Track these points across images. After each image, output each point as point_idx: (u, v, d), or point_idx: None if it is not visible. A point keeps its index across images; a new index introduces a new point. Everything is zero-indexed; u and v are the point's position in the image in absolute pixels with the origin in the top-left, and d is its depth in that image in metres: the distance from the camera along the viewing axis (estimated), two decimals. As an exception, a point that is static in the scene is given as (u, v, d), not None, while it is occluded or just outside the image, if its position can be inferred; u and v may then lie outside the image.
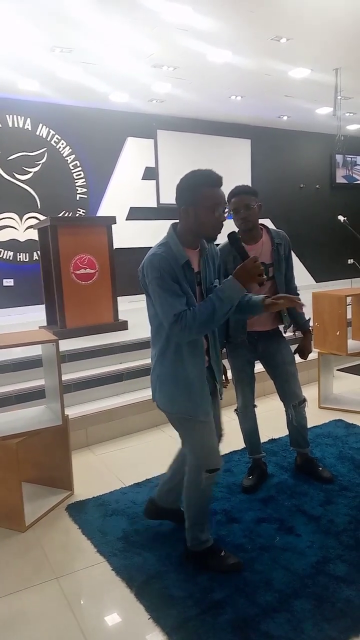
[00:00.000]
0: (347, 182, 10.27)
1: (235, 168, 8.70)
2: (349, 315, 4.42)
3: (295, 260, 9.69)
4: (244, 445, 3.32)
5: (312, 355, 4.72)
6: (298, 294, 2.88)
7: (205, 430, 2.19)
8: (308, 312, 2.99)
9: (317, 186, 9.90)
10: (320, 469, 3.12)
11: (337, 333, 4.21)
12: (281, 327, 3.02)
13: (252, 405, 3.14)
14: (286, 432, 3.30)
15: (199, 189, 2.04)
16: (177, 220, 2.15)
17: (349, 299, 4.41)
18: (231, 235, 2.24)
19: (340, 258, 9.48)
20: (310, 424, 3.95)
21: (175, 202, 2.12)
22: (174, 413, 2.21)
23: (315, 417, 4.14)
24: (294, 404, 3.07)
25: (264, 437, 3.65)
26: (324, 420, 4.04)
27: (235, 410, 3.20)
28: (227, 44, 5.16)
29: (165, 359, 2.16)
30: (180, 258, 2.04)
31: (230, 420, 2.93)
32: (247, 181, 8.86)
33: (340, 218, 7.29)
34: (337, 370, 5.41)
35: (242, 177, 8.81)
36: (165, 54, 5.36)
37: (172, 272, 2.01)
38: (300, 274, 9.61)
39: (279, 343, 2.98)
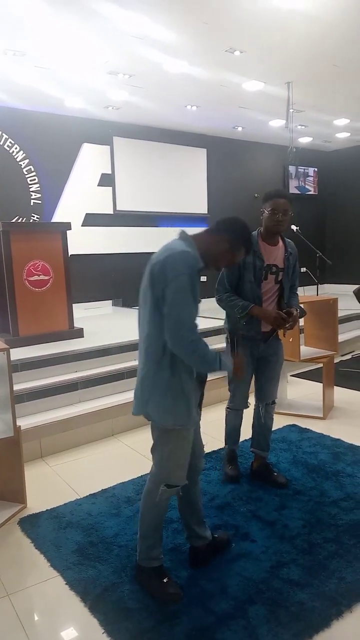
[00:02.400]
0: (299, 192, 10.53)
1: (191, 176, 8.78)
2: (301, 323, 4.53)
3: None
4: (212, 450, 3.42)
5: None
6: (297, 294, 3.16)
7: (185, 442, 2.14)
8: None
9: (271, 196, 10.12)
10: (275, 474, 3.17)
11: (290, 340, 4.30)
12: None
13: (246, 404, 3.21)
14: (240, 439, 3.34)
15: None
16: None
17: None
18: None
19: (293, 266, 9.70)
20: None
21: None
22: (168, 424, 2.08)
23: (270, 422, 4.20)
24: (267, 402, 3.19)
25: (216, 445, 3.70)
26: (279, 426, 4.10)
27: (228, 407, 3.25)
28: (183, 54, 5.20)
29: (161, 369, 2.04)
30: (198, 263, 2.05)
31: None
32: (202, 190, 8.95)
33: (293, 227, 7.47)
34: (291, 376, 5.53)
35: (198, 186, 8.89)
36: (120, 61, 5.35)
37: (195, 276, 2.00)
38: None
39: (276, 344, 3.10)
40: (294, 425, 4.11)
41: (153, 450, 2.21)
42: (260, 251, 2.91)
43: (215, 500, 2.96)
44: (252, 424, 3.27)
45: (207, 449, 3.59)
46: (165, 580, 2.19)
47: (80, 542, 2.59)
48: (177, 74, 5.71)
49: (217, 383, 4.76)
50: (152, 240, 8.16)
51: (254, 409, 3.25)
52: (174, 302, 1.94)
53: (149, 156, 8.17)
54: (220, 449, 3.66)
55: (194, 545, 2.40)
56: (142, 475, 3.29)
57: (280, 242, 3.02)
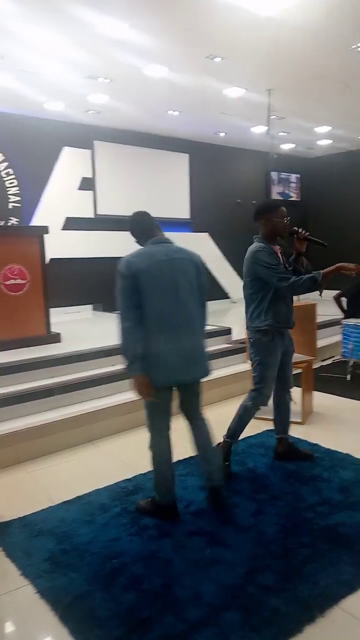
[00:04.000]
0: (282, 198, 10.62)
1: (173, 181, 8.80)
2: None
3: (233, 273, 9.85)
4: (190, 455, 3.37)
5: (244, 367, 4.83)
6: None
7: None
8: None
9: (254, 202, 10.17)
10: (301, 449, 3.53)
11: (270, 344, 4.30)
12: None
13: (266, 404, 3.39)
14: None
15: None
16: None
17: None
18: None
19: (275, 272, 9.75)
20: (244, 434, 4.02)
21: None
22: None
23: (249, 427, 4.15)
24: (290, 389, 3.47)
25: (185, 454, 3.68)
26: (258, 431, 4.09)
27: (249, 405, 3.35)
28: (163, 59, 5.22)
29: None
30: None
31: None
32: (185, 195, 8.97)
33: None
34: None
35: (181, 191, 8.91)
36: (100, 65, 5.34)
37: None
38: (237, 287, 9.82)
39: (289, 334, 3.36)
40: (272, 430, 4.09)
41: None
42: (275, 251, 3.21)
43: (190, 506, 2.93)
44: (278, 413, 3.51)
45: (182, 455, 3.60)
46: None
47: (53, 550, 2.54)
48: (158, 79, 5.72)
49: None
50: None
51: (278, 399, 3.48)
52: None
53: (130, 160, 8.17)
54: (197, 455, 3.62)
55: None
56: (117, 482, 3.25)
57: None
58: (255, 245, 3.20)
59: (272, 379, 3.27)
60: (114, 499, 3.06)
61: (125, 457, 3.68)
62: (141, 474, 3.34)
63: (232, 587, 2.22)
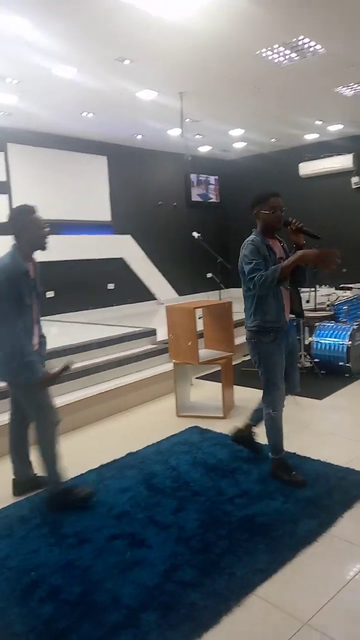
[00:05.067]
0: (202, 200, 10.82)
1: (92, 184, 8.70)
2: (200, 327, 4.62)
3: (158, 274, 9.87)
4: (96, 466, 3.38)
5: (170, 366, 4.87)
6: None
7: None
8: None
9: (175, 204, 10.29)
10: (255, 441, 3.49)
11: (189, 343, 4.37)
12: None
13: (284, 404, 3.21)
14: (137, 447, 3.44)
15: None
16: None
17: (199, 311, 4.62)
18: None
19: (200, 272, 9.90)
20: (167, 432, 4.08)
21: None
22: None
23: (172, 425, 4.25)
24: (296, 390, 3.34)
25: (115, 455, 3.67)
26: (181, 428, 4.15)
27: (275, 411, 3.13)
28: (72, 61, 5.14)
29: None
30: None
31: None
32: (105, 197, 8.90)
33: (195, 234, 7.64)
34: (197, 378, 5.62)
35: (100, 193, 8.83)
36: (6, 66, 5.18)
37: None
38: (163, 288, 9.91)
39: (293, 331, 3.26)
40: (195, 427, 4.17)
41: None
42: (271, 245, 3.04)
43: (113, 509, 2.92)
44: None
45: (106, 458, 3.58)
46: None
47: (-33, 569, 2.43)
48: (68, 81, 5.64)
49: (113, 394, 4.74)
50: (55, 248, 7.95)
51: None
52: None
53: (47, 163, 7.99)
54: (121, 457, 3.62)
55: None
56: (38, 492, 3.16)
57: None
58: (247, 239, 3.04)
59: (280, 379, 3.09)
60: (34, 509, 2.98)
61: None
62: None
63: (151, 587, 2.23)
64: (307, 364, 5.43)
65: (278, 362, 3.05)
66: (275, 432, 3.16)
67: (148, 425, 4.35)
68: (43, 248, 2.94)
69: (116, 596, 2.19)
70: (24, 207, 2.90)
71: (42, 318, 3.06)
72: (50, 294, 7.96)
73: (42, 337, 3.10)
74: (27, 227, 2.86)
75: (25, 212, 2.88)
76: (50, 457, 2.95)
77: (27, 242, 2.88)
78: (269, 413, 3.14)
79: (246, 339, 3.16)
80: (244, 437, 3.50)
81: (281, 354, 3.06)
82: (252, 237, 3.05)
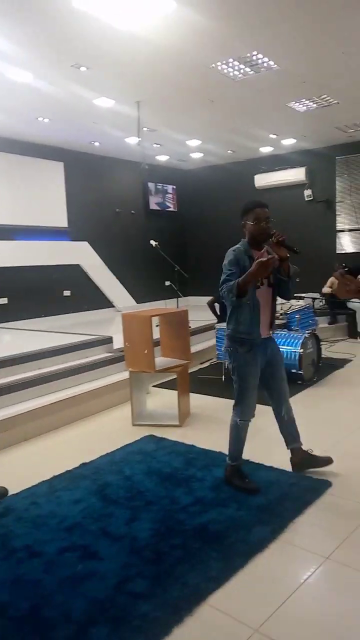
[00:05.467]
0: (160, 209, 10.86)
1: (48, 190, 8.58)
2: (156, 335, 4.61)
3: (116, 282, 9.83)
4: (48, 477, 3.29)
5: (126, 375, 4.83)
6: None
7: None
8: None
9: (133, 211, 10.28)
10: (319, 456, 3.28)
11: (145, 352, 4.36)
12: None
13: (254, 413, 3.16)
14: (91, 457, 3.37)
15: None
16: None
17: (156, 319, 4.61)
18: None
19: (157, 280, 9.92)
20: (123, 441, 4.04)
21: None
22: None
23: (128, 434, 4.21)
24: (286, 400, 3.22)
25: (69, 465, 3.61)
26: (136, 437, 4.11)
27: (241, 420, 3.11)
28: (27, 65, 5.07)
29: None
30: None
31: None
32: (62, 203, 8.79)
33: (152, 242, 7.66)
34: (154, 386, 5.60)
35: (56, 199, 8.72)
36: None
37: None
38: (121, 295, 9.85)
39: (275, 345, 3.20)
40: (151, 436, 4.15)
41: None
42: (253, 257, 2.93)
43: (64, 521, 2.85)
44: (281, 429, 3.26)
45: (59, 469, 3.51)
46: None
47: None
48: (23, 85, 5.56)
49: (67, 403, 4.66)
50: (8, 254, 7.80)
51: (275, 415, 3.24)
52: None
53: (1, 168, 7.83)
54: (75, 468, 3.56)
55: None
56: (-14, 506, 3.06)
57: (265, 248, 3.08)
58: (230, 248, 3.02)
59: (252, 389, 3.07)
60: (-16, 521, 2.88)
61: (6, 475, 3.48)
62: (12, 494, 3.19)
63: (102, 600, 2.18)
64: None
65: (251, 372, 3.05)
66: (237, 441, 3.15)
67: (103, 435, 4.29)
68: None
69: (66, 611, 2.14)
70: None
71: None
72: (2, 301, 7.78)
73: None
74: None
75: None
76: None
77: None
78: (236, 421, 3.13)
79: (224, 346, 3.19)
80: (304, 461, 3.29)
81: (256, 365, 3.05)
82: (236, 245, 3.03)
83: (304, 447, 3.30)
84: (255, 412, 3.15)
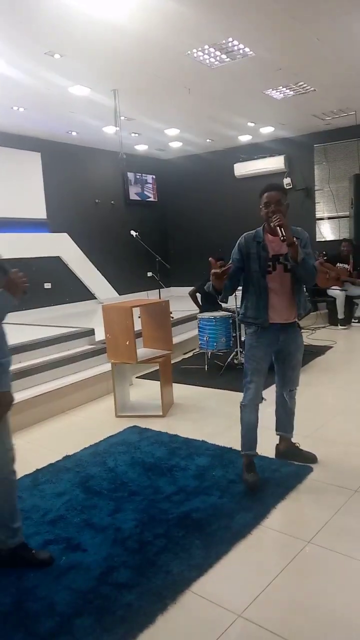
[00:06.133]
0: (140, 199, 10.78)
1: (25, 181, 8.44)
2: (137, 327, 4.59)
3: (97, 273, 9.76)
4: (31, 471, 3.21)
5: (109, 366, 4.81)
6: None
7: None
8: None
9: (112, 202, 10.19)
10: (304, 451, 3.30)
11: (127, 343, 4.34)
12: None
13: (261, 399, 3.10)
14: (74, 450, 3.38)
15: None
16: None
17: (137, 310, 4.59)
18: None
19: (139, 271, 9.88)
20: (106, 433, 4.04)
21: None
22: None
23: (111, 426, 4.21)
24: (291, 389, 3.20)
25: (52, 458, 3.60)
26: (120, 429, 4.11)
27: (243, 403, 3.07)
28: (-1, 53, 4.98)
29: None
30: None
31: None
32: (40, 195, 8.67)
33: (133, 233, 7.62)
34: (137, 377, 5.60)
35: (34, 190, 8.60)
36: None
37: None
38: (103, 287, 9.79)
39: (295, 333, 3.11)
40: (134, 427, 4.15)
41: None
42: (264, 242, 2.97)
43: (48, 514, 2.84)
44: (276, 410, 3.28)
45: (42, 462, 3.49)
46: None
47: None
48: (-4, 73, 5.44)
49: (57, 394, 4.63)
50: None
51: (277, 396, 3.25)
52: None
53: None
54: (58, 461, 3.55)
55: None
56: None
57: None
58: None
59: (255, 373, 3.03)
60: None
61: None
62: None
63: (86, 591, 2.19)
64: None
65: (255, 355, 3.03)
66: (242, 425, 3.11)
67: (86, 427, 4.28)
68: None
69: (50, 603, 2.13)
70: None
71: None
72: (-18, 295, 7.67)
73: None
74: None
75: None
76: None
77: None
78: (240, 403, 3.12)
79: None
80: (288, 452, 3.32)
81: (263, 349, 3.02)
82: (251, 231, 3.05)
83: (292, 440, 3.34)
84: (262, 399, 3.11)
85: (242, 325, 3.20)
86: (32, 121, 7.50)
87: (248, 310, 3.03)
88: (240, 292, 3.13)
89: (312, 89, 6.66)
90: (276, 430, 3.33)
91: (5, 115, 7.10)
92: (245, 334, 3.13)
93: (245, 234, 3.05)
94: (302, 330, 3.28)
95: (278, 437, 3.35)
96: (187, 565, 2.32)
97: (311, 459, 3.26)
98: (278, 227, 2.81)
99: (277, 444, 3.36)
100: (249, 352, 3.07)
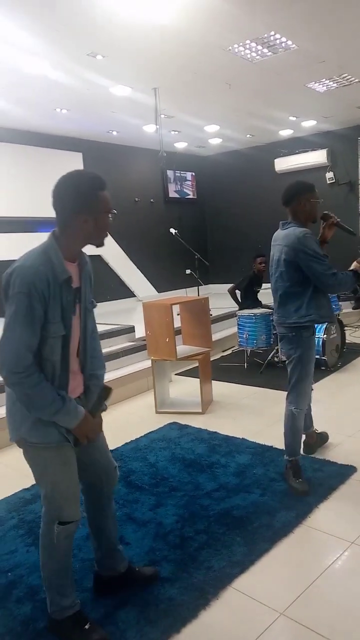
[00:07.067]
0: (179, 196, 10.81)
1: (68, 181, 8.59)
2: (177, 324, 4.62)
3: (137, 271, 9.85)
4: None
5: (148, 363, 4.86)
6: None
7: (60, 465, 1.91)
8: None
9: (152, 200, 10.26)
10: (321, 432, 3.48)
11: (167, 340, 4.37)
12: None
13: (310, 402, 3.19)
14: (116, 445, 3.49)
15: (94, 193, 1.89)
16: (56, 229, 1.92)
17: (176, 308, 4.62)
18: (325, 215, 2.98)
19: (178, 268, 9.89)
20: (146, 429, 4.08)
21: (55, 209, 1.93)
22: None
23: (152, 422, 4.25)
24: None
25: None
26: (160, 425, 4.15)
27: (297, 409, 2.99)
28: (42, 56, 5.07)
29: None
30: (61, 273, 1.79)
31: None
32: (81, 194, 8.80)
33: (172, 231, 7.65)
34: (176, 374, 5.63)
35: (76, 191, 8.73)
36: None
37: (45, 292, 1.74)
38: (142, 285, 9.89)
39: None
40: (174, 423, 4.18)
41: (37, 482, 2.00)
42: (319, 241, 2.96)
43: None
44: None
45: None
46: (86, 627, 1.92)
47: None
48: (39, 76, 5.57)
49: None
50: (32, 246, 7.86)
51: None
52: (6, 324, 1.74)
53: (20, 160, 7.88)
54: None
55: (98, 573, 2.20)
56: (16, 493, 3.14)
57: None
58: (300, 230, 2.80)
59: (312, 376, 3.01)
60: (10, 510, 2.96)
61: (24, 466, 3.56)
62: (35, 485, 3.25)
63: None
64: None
65: (313, 357, 2.98)
66: (293, 432, 3.01)
67: (127, 423, 4.34)
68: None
69: (95, 595, 2.19)
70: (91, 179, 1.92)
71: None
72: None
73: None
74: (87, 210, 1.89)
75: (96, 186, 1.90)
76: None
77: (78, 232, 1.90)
78: (291, 410, 3.00)
79: (280, 334, 3.02)
80: (316, 442, 3.41)
81: (315, 349, 3.01)
82: (302, 228, 2.84)
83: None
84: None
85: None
86: (74, 122, 7.64)
87: (321, 309, 2.88)
88: (297, 295, 2.90)
89: (356, 80, 6.50)
90: (306, 429, 3.27)
91: (49, 117, 7.26)
92: (295, 338, 2.92)
93: (305, 231, 2.83)
94: (346, 328, 3.23)
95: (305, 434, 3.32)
96: (228, 561, 2.33)
97: (326, 437, 3.50)
98: (338, 224, 2.95)
99: (305, 440, 3.33)
100: (308, 354, 2.94)
